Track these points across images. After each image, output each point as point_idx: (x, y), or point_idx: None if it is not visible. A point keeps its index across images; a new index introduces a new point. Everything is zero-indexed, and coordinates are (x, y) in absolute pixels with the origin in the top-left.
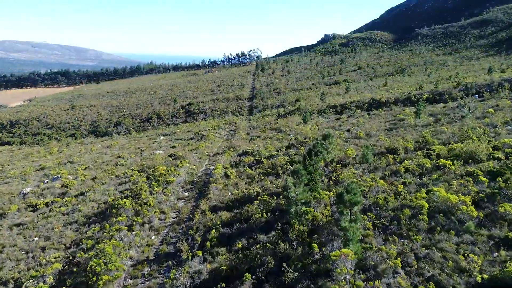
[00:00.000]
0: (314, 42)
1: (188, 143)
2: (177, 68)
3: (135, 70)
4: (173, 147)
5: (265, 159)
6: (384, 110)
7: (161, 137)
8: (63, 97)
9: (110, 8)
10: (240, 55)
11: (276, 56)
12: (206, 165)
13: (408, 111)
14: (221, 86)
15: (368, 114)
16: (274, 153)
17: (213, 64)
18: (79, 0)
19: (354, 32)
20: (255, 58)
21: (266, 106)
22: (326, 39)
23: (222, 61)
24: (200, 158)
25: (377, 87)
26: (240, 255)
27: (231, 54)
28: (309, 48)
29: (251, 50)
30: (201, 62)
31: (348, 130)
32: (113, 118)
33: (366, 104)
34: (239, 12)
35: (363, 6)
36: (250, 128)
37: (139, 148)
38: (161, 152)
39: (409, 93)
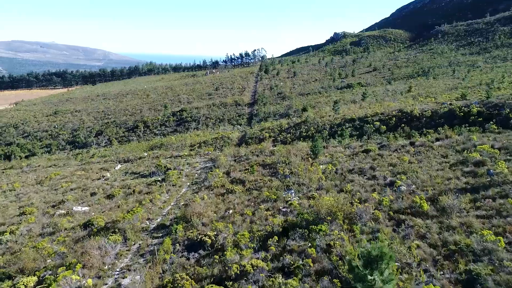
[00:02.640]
0: (323, 41)
1: (134, 190)
2: (177, 68)
3: (133, 71)
4: (110, 196)
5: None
6: (438, 140)
7: (118, 166)
8: (50, 101)
9: (119, 8)
10: (243, 55)
11: (282, 56)
12: (121, 268)
13: (486, 147)
14: (219, 89)
15: (412, 144)
16: (250, 264)
17: (215, 64)
18: (88, 1)
19: (366, 30)
20: (260, 58)
21: (268, 114)
22: (335, 38)
23: (225, 61)
24: (125, 240)
25: (399, 92)
26: None
27: (234, 54)
28: (317, 47)
29: (255, 50)
30: (202, 62)
31: (391, 184)
32: (96, 127)
33: (394, 119)
34: (246, 11)
35: (372, 5)
36: (236, 160)
37: (71, 190)
38: (84, 209)
39: (450, 104)
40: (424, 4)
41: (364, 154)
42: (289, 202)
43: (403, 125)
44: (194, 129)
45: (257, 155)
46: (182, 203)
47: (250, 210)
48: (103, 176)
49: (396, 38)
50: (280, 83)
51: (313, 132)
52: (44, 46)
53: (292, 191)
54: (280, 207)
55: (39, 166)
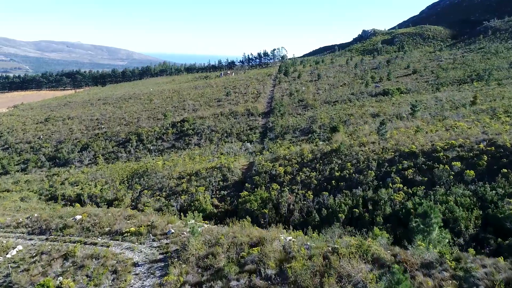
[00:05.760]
0: (350, 39)
1: None
2: (190, 69)
3: (145, 72)
4: None
5: None
6: None
7: (16, 250)
8: (50, 104)
9: (143, 8)
10: (262, 55)
11: (304, 56)
12: None
13: None
14: (231, 94)
15: None
16: None
17: (231, 65)
18: (115, 2)
19: (399, 26)
20: (279, 59)
21: (286, 129)
22: (364, 36)
23: (241, 61)
24: None
25: (460, 104)
26: None
27: (251, 54)
28: (344, 46)
29: (274, 49)
30: (217, 62)
31: None
32: (84, 139)
33: (485, 157)
34: (266, 8)
35: (399, 2)
36: None
37: None
38: None
39: None
40: None
41: None
42: None
43: (504, 170)
44: (195, 145)
45: (251, 275)
46: None
47: None
48: None
49: (435, 36)
50: (302, 87)
51: (351, 172)
52: (70, 46)
53: None
54: None
55: None
